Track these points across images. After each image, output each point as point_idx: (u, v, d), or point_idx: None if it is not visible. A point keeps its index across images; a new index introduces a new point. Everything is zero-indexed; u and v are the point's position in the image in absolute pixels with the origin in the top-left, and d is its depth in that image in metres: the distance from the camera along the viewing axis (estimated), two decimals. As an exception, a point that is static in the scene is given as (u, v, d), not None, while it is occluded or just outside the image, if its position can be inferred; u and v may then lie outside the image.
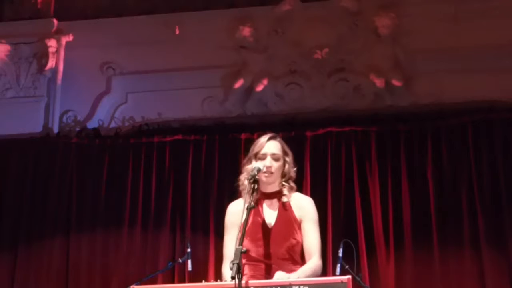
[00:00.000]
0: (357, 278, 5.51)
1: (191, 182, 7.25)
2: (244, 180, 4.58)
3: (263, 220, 4.51)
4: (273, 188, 4.59)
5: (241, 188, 4.62)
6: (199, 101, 7.62)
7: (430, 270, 6.70)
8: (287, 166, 4.61)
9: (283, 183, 4.59)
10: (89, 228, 7.29)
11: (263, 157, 4.55)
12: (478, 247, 6.67)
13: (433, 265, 6.70)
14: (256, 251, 4.41)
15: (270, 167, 4.52)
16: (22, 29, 7.91)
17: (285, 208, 4.54)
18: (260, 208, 4.52)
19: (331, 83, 7.47)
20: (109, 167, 7.44)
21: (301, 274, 4.29)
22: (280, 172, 4.59)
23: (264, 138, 4.64)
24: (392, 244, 6.80)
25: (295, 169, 4.67)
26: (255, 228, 4.45)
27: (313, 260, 4.47)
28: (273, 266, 4.42)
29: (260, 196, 4.47)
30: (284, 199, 4.55)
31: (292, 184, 4.63)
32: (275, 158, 4.56)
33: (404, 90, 7.35)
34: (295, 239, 4.48)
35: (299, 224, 4.53)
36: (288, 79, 7.53)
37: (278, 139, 4.68)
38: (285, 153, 4.64)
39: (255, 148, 4.63)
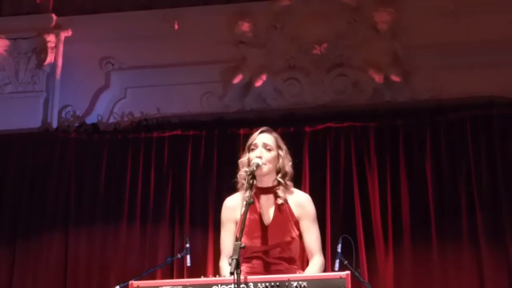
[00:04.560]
0: (356, 273, 5.52)
1: (190, 177, 7.26)
2: (239, 177, 4.58)
3: (260, 218, 4.50)
4: (267, 182, 4.56)
5: (238, 185, 4.62)
6: (198, 96, 7.62)
7: (429, 265, 6.71)
8: (281, 160, 4.59)
9: (278, 179, 4.57)
10: (88, 223, 7.30)
11: (254, 148, 4.55)
12: (477, 242, 6.68)
13: (432, 260, 6.71)
14: (253, 248, 4.41)
15: (260, 156, 4.51)
16: (21, 24, 7.90)
17: (281, 207, 4.53)
18: (256, 205, 4.51)
19: (330, 78, 7.47)
20: (108, 162, 7.44)
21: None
22: (274, 165, 4.57)
23: (257, 132, 4.65)
24: (391, 239, 6.81)
25: (290, 163, 4.65)
26: (252, 226, 4.44)
27: (316, 259, 4.47)
28: (270, 263, 4.42)
29: (256, 191, 4.45)
30: (279, 201, 4.52)
31: (288, 182, 4.59)
32: (267, 148, 4.55)
33: (403, 86, 7.35)
34: (291, 236, 4.48)
35: (296, 221, 4.52)
36: (287, 75, 7.53)
37: (272, 132, 4.67)
38: (278, 147, 4.62)
39: (248, 142, 4.65)
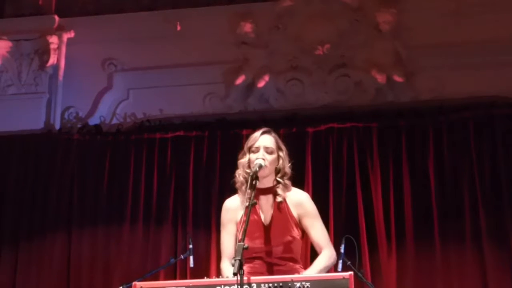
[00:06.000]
0: (359, 274, 5.51)
1: (192, 178, 7.26)
2: (239, 176, 4.60)
3: (260, 218, 4.52)
4: (267, 183, 4.57)
5: (237, 185, 4.62)
6: (200, 97, 7.63)
7: (432, 265, 6.70)
8: (281, 161, 4.61)
9: (278, 179, 4.58)
10: (91, 224, 7.31)
11: (256, 150, 4.56)
12: (480, 241, 6.68)
13: (435, 260, 6.71)
14: (254, 249, 4.41)
15: (263, 159, 4.51)
16: (24, 25, 7.91)
17: (280, 206, 4.54)
18: (256, 206, 4.52)
19: (332, 79, 7.47)
20: (111, 163, 7.45)
21: (315, 268, 4.35)
22: (274, 166, 4.59)
23: (257, 132, 4.65)
24: (393, 240, 6.80)
25: (289, 164, 4.67)
26: (252, 226, 4.44)
27: (325, 252, 4.48)
28: (272, 263, 4.43)
29: (256, 192, 4.46)
30: (279, 199, 4.54)
31: (287, 181, 4.61)
32: (268, 151, 4.57)
33: (405, 86, 7.35)
34: (291, 236, 4.48)
35: (296, 221, 4.53)
36: (289, 75, 7.53)
37: (272, 133, 4.68)
38: (279, 148, 4.63)
39: (249, 142, 4.65)
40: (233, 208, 4.61)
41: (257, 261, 4.44)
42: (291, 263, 4.45)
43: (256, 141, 4.60)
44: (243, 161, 4.62)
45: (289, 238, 4.48)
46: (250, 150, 4.60)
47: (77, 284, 7.15)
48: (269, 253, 4.45)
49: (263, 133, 4.64)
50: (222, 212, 4.68)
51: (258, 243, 4.45)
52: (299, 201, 4.60)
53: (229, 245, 4.53)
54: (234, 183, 4.66)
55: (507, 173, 6.80)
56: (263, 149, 4.55)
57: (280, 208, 4.53)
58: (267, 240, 4.46)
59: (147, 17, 7.83)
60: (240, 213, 4.51)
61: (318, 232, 4.56)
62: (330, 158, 7.10)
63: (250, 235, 4.40)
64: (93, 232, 7.27)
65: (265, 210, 4.55)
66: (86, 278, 7.15)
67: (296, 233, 4.52)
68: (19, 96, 7.79)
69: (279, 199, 4.54)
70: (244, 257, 4.16)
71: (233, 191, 4.74)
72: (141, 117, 7.70)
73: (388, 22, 7.41)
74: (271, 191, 4.59)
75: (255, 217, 4.50)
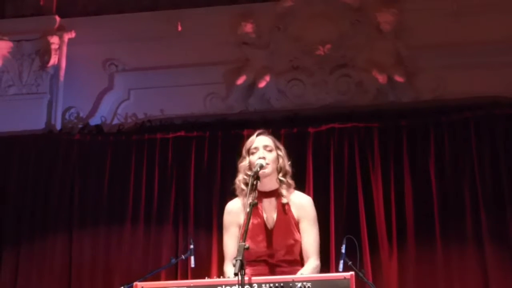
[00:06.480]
0: (360, 274, 5.50)
1: (193, 178, 7.26)
2: (239, 182, 4.59)
3: (263, 221, 4.51)
4: (270, 185, 4.57)
5: (237, 192, 4.62)
6: (201, 97, 7.63)
7: (433, 265, 6.70)
8: (281, 160, 4.61)
9: (280, 178, 4.58)
10: (92, 225, 7.30)
11: (255, 151, 4.56)
12: (481, 242, 6.67)
13: (436, 260, 6.71)
14: (258, 252, 4.42)
15: (264, 157, 4.52)
16: (25, 26, 7.92)
17: (284, 208, 4.53)
18: (259, 209, 4.52)
19: (333, 79, 7.47)
20: (112, 163, 7.44)
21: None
22: (275, 165, 4.58)
23: (253, 135, 4.67)
24: (395, 240, 6.80)
25: (289, 162, 4.67)
26: (256, 229, 4.45)
27: (311, 262, 4.45)
28: (275, 266, 4.43)
29: (258, 195, 4.45)
30: (284, 200, 4.54)
31: (290, 180, 4.62)
32: (268, 149, 4.57)
33: (407, 86, 7.35)
34: (294, 239, 4.48)
35: (297, 224, 4.53)
36: (290, 75, 7.53)
37: (268, 134, 4.69)
38: (277, 147, 4.64)
39: (247, 146, 4.66)
40: (235, 210, 4.60)
41: (261, 264, 4.44)
42: (293, 266, 4.45)
43: (253, 142, 4.62)
44: (243, 164, 4.61)
45: (292, 241, 4.49)
46: (249, 153, 4.60)
47: (79, 284, 7.15)
48: (271, 256, 4.45)
49: (259, 134, 4.67)
50: (224, 215, 4.67)
51: (262, 247, 4.46)
52: (300, 203, 4.59)
53: (232, 248, 4.51)
54: (234, 190, 4.66)
55: (508, 173, 6.80)
56: (262, 148, 4.56)
57: (284, 211, 4.53)
58: (271, 243, 4.46)
59: (148, 17, 7.83)
60: (242, 216, 4.51)
61: (311, 240, 4.52)
62: (331, 159, 7.10)
63: (253, 239, 4.40)
64: (94, 232, 7.27)
65: (269, 213, 4.55)
66: (87, 278, 7.16)
67: (299, 235, 4.52)
68: (20, 96, 7.80)
69: (284, 200, 4.53)
70: (247, 260, 4.16)
71: (234, 191, 4.74)
72: (142, 117, 7.70)
73: (389, 22, 7.41)
74: (274, 194, 4.59)
75: (258, 219, 4.50)
